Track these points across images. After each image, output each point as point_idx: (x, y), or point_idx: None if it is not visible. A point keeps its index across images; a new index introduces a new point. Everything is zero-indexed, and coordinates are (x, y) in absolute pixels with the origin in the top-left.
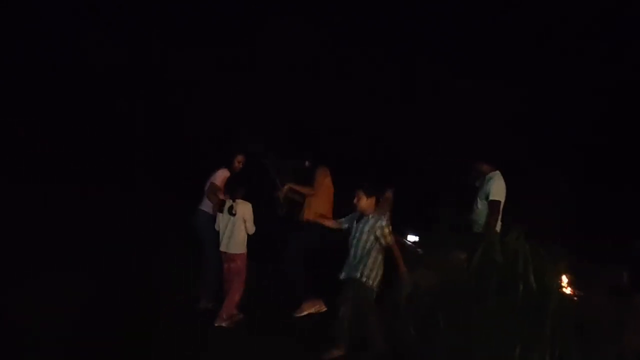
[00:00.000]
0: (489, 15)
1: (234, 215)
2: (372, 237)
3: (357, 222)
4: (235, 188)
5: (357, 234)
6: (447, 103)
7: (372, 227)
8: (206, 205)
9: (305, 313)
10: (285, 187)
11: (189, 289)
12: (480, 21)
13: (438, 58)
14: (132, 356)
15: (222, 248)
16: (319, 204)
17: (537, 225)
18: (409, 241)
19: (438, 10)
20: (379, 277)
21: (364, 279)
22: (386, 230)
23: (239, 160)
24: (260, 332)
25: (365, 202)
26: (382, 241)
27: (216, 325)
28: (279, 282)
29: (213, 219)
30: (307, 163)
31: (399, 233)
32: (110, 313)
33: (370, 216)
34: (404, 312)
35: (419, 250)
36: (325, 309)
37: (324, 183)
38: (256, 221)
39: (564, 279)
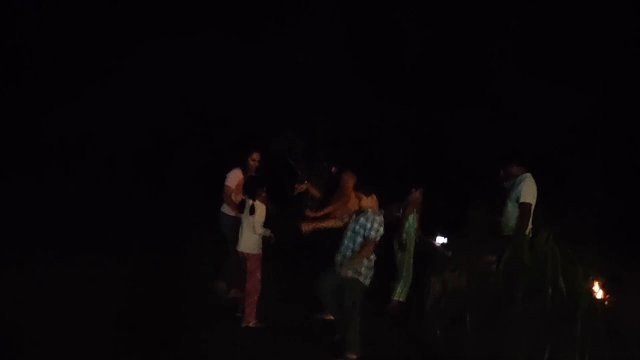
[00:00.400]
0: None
1: (252, 214)
2: (362, 231)
3: (356, 215)
4: (254, 189)
5: (353, 225)
6: (476, 104)
7: (367, 219)
8: (226, 208)
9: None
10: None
11: (205, 286)
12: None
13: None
14: (147, 350)
15: (238, 247)
16: (347, 211)
17: (570, 228)
18: (438, 242)
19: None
20: (371, 276)
21: (362, 279)
22: (376, 225)
23: (253, 159)
24: (271, 331)
25: (366, 201)
26: (367, 233)
27: (243, 326)
28: (291, 282)
29: (233, 219)
30: (333, 168)
31: (429, 234)
32: (125, 307)
33: (370, 211)
34: (430, 313)
35: (447, 252)
36: None
37: (351, 189)
38: (271, 224)
39: (596, 283)
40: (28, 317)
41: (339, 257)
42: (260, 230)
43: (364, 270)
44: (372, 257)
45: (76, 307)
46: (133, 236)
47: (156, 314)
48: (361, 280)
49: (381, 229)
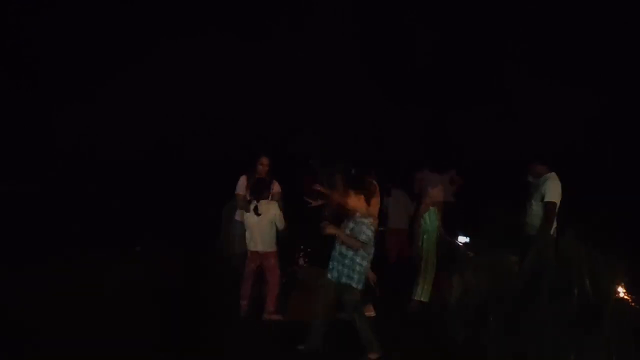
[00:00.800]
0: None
1: (258, 215)
2: (356, 236)
3: (347, 220)
4: (260, 190)
5: (346, 230)
6: (500, 103)
7: (356, 224)
8: (239, 215)
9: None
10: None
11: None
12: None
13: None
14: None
15: (254, 247)
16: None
17: (594, 227)
18: (460, 242)
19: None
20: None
21: (355, 285)
22: (364, 228)
23: (261, 163)
24: (281, 330)
25: (352, 200)
26: (357, 237)
27: (267, 318)
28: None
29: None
30: (353, 170)
31: (451, 233)
32: (136, 308)
33: (358, 214)
34: (452, 313)
35: (469, 252)
36: (374, 314)
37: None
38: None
39: (622, 283)
40: (44, 316)
41: (331, 265)
42: (282, 224)
43: (356, 276)
44: (366, 263)
45: (87, 306)
46: (146, 236)
47: (168, 314)
48: (354, 285)
49: (370, 233)
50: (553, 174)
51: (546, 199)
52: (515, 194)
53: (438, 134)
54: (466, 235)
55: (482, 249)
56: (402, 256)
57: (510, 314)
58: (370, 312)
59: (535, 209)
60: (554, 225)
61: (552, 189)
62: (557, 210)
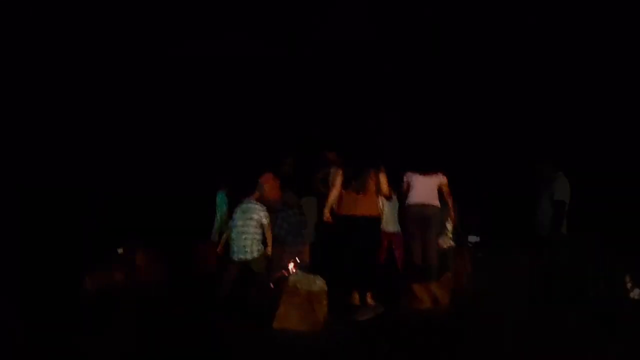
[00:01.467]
0: None
1: None
2: None
3: None
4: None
5: None
6: (510, 103)
7: None
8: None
9: (366, 317)
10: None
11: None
12: None
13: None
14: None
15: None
16: (371, 204)
17: (610, 228)
18: (470, 242)
19: None
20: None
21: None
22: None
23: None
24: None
25: None
26: None
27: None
28: None
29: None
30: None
31: (463, 233)
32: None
33: None
34: (464, 313)
35: (478, 252)
36: (382, 309)
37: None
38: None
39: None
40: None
41: None
42: None
43: None
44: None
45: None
46: (159, 235)
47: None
48: None
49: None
50: (561, 173)
51: (555, 198)
52: (525, 194)
53: (426, 133)
54: (476, 235)
55: (492, 249)
56: (397, 258)
57: (524, 314)
58: (380, 309)
59: (546, 208)
60: (564, 223)
61: (561, 188)
62: (566, 209)
